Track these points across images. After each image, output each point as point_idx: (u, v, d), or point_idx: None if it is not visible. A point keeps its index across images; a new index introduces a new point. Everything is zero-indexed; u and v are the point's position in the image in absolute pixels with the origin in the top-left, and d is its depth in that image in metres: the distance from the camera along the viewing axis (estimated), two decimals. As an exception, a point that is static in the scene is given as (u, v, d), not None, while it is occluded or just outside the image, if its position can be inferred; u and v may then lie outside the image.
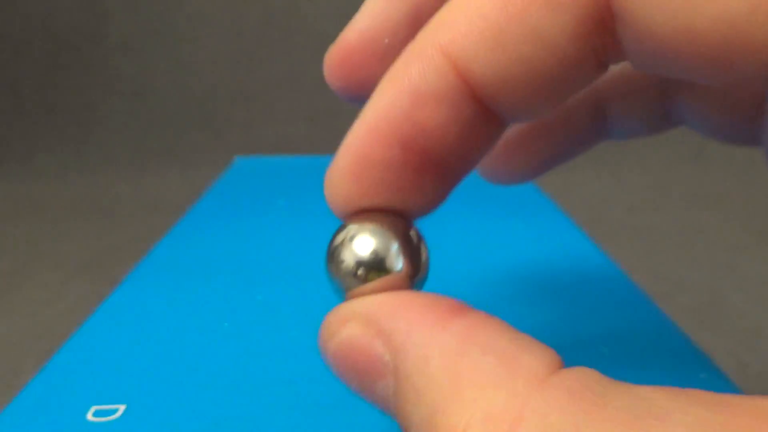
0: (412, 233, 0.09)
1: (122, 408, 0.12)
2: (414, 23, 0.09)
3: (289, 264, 0.19)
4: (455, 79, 0.08)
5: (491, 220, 0.23)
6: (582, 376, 0.07)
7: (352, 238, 0.09)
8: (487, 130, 0.09)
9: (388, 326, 0.08)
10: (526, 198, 0.26)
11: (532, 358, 0.07)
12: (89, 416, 0.12)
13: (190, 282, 0.18)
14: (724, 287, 0.55)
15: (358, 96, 0.10)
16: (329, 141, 0.88)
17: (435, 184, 0.09)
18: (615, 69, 0.10)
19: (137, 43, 0.89)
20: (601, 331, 0.15)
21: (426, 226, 0.10)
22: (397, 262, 0.08)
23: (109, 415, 0.12)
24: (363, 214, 0.09)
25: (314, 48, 0.88)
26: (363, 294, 0.09)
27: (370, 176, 0.09)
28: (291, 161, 0.35)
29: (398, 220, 0.09)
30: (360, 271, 0.08)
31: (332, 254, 0.09)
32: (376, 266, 0.08)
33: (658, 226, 0.72)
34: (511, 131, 0.12)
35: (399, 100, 0.08)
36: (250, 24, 0.89)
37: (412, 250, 0.09)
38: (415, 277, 0.09)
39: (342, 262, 0.09)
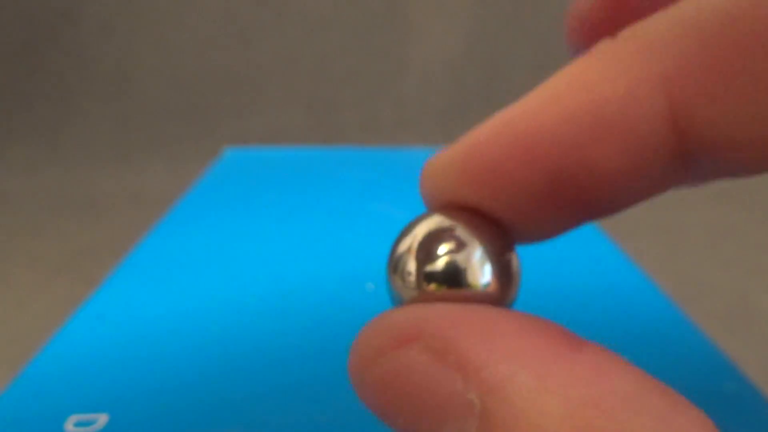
0: (502, 240, 0.07)
1: (104, 418, 0.12)
2: None
3: (282, 263, 0.19)
4: (665, 120, 0.06)
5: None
6: None
7: (422, 245, 0.07)
8: (668, 180, 0.07)
9: (479, 357, 0.06)
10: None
11: (687, 421, 0.06)
12: (68, 426, 0.12)
13: (176, 282, 0.18)
14: (754, 291, 0.55)
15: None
16: (326, 132, 0.88)
17: (563, 218, 0.07)
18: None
19: (117, 24, 0.89)
20: (620, 337, 0.15)
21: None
22: (482, 272, 0.07)
23: (90, 425, 0.12)
24: (453, 210, 0.07)
25: (310, 30, 0.88)
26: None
27: (489, 182, 0.07)
28: (284, 153, 0.35)
29: (490, 224, 0.07)
30: (431, 286, 0.07)
31: (396, 264, 0.07)
32: (453, 280, 0.07)
33: (682, 225, 0.72)
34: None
35: (573, 121, 0.07)
36: (241, 3, 0.89)
37: (503, 262, 0.07)
38: (505, 299, 0.07)
39: (408, 274, 0.07)
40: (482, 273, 0.07)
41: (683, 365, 0.14)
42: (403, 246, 0.07)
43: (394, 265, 0.07)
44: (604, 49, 0.07)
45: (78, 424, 0.12)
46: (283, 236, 0.22)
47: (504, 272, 0.07)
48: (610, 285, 0.18)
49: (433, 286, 0.07)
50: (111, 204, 0.77)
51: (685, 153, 0.07)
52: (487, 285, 0.07)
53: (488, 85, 0.89)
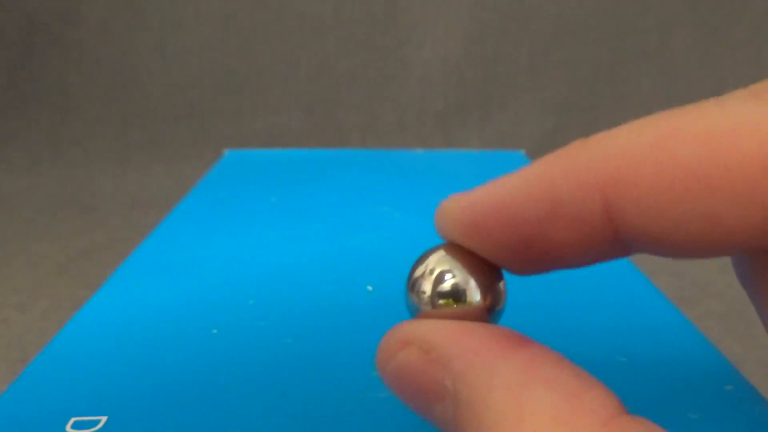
0: (492, 271, 0.10)
1: (104, 420, 0.12)
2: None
3: (283, 264, 0.19)
4: (602, 214, 0.09)
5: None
6: (644, 425, 0.07)
7: (432, 271, 0.10)
8: (611, 253, 0.09)
9: (448, 352, 0.09)
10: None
11: (595, 398, 0.08)
12: (68, 428, 0.12)
13: (176, 284, 0.18)
14: (753, 292, 0.55)
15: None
16: (325, 133, 0.88)
17: (538, 265, 0.10)
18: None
19: (118, 25, 0.89)
20: (620, 339, 0.15)
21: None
22: (476, 294, 0.10)
23: (90, 427, 0.12)
24: (454, 247, 0.10)
25: (310, 32, 0.88)
26: (435, 317, 0.10)
27: (485, 232, 0.10)
28: (285, 155, 0.35)
29: (482, 259, 0.10)
30: (441, 302, 0.10)
31: (413, 285, 0.10)
32: (456, 298, 0.10)
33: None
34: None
35: (538, 206, 0.09)
36: (241, 5, 0.89)
37: (491, 285, 0.10)
38: (493, 311, 0.10)
39: (423, 293, 0.10)
40: (476, 294, 0.10)
41: (683, 368, 0.14)
42: (419, 272, 0.10)
43: (412, 285, 0.10)
44: (570, 154, 0.09)
45: (77, 426, 0.12)
46: (283, 237, 0.22)
47: (492, 294, 0.10)
48: (610, 286, 0.18)
49: (441, 302, 0.10)
50: (111, 205, 0.77)
51: (616, 237, 0.09)
52: (480, 302, 0.10)
53: (488, 87, 0.89)
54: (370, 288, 0.18)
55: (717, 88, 0.79)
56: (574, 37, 0.89)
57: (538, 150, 0.88)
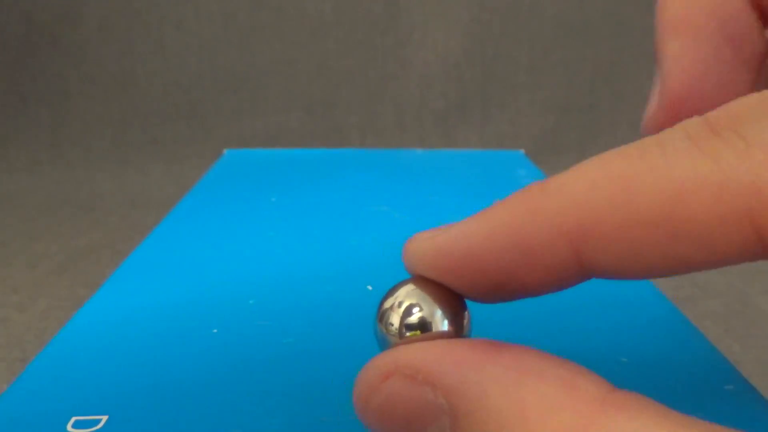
0: (458, 302, 0.10)
1: (104, 419, 0.12)
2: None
3: (283, 264, 0.19)
4: (569, 254, 0.09)
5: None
6: (637, 397, 0.08)
7: (401, 304, 0.10)
8: (574, 283, 0.10)
9: (437, 370, 0.09)
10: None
11: (587, 381, 0.08)
12: (69, 427, 0.12)
13: (176, 284, 0.18)
14: (753, 292, 0.55)
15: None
16: (325, 133, 0.88)
17: (503, 298, 0.10)
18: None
19: (118, 24, 0.89)
20: (619, 339, 0.15)
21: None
22: (442, 324, 0.10)
23: (91, 426, 0.12)
24: (422, 279, 0.10)
25: (310, 32, 0.88)
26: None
27: (453, 274, 0.10)
28: (284, 154, 0.35)
29: (449, 291, 0.10)
30: (408, 333, 0.10)
31: (381, 316, 0.10)
32: (423, 328, 0.10)
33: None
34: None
35: (507, 252, 0.09)
36: (241, 5, 0.89)
37: (457, 315, 0.10)
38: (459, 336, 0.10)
39: (391, 324, 0.10)
40: (443, 324, 0.10)
41: (682, 368, 0.14)
42: (387, 304, 0.10)
43: (381, 316, 0.10)
44: (533, 200, 0.10)
45: (78, 425, 0.12)
46: (283, 237, 0.22)
47: (457, 323, 0.10)
48: (610, 286, 0.18)
49: (409, 334, 0.10)
50: (111, 205, 0.77)
51: (582, 273, 0.10)
52: (446, 331, 0.10)
53: (488, 87, 0.89)
54: (370, 288, 0.18)
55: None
56: (574, 37, 0.89)
57: (538, 150, 0.88)
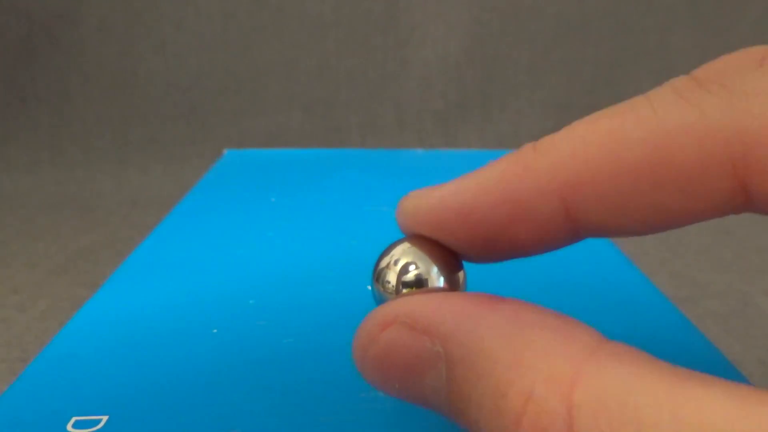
0: (454, 260, 0.11)
1: (104, 419, 0.12)
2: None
3: (283, 265, 0.19)
4: (560, 211, 0.10)
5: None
6: (628, 347, 0.08)
7: (397, 262, 0.10)
8: (566, 241, 0.10)
9: (435, 319, 0.09)
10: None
11: (582, 331, 0.08)
12: (69, 428, 0.12)
13: (177, 284, 0.18)
14: (753, 292, 0.55)
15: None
16: (325, 133, 0.88)
17: (496, 256, 0.11)
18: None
19: (117, 25, 0.89)
20: (619, 339, 0.15)
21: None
22: (438, 281, 0.10)
23: (91, 426, 0.12)
24: (417, 238, 0.11)
25: (310, 32, 0.88)
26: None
27: (447, 230, 0.10)
28: (285, 154, 0.35)
29: (444, 249, 0.10)
30: (405, 291, 0.10)
31: (378, 275, 0.10)
32: (418, 285, 0.10)
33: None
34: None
35: (498, 207, 0.10)
36: (241, 4, 0.89)
37: (452, 273, 0.10)
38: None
39: (388, 282, 0.10)
40: (438, 281, 0.10)
41: (682, 366, 0.14)
42: (384, 263, 0.10)
43: (377, 276, 0.10)
44: (525, 158, 0.10)
45: (78, 425, 0.12)
46: (283, 237, 0.22)
47: (453, 281, 0.10)
48: (610, 285, 0.18)
49: (405, 291, 0.10)
50: (111, 205, 0.77)
51: (574, 230, 0.10)
52: (442, 287, 0.10)
53: (488, 87, 0.89)
54: (370, 288, 0.18)
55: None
56: (574, 37, 0.89)
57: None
